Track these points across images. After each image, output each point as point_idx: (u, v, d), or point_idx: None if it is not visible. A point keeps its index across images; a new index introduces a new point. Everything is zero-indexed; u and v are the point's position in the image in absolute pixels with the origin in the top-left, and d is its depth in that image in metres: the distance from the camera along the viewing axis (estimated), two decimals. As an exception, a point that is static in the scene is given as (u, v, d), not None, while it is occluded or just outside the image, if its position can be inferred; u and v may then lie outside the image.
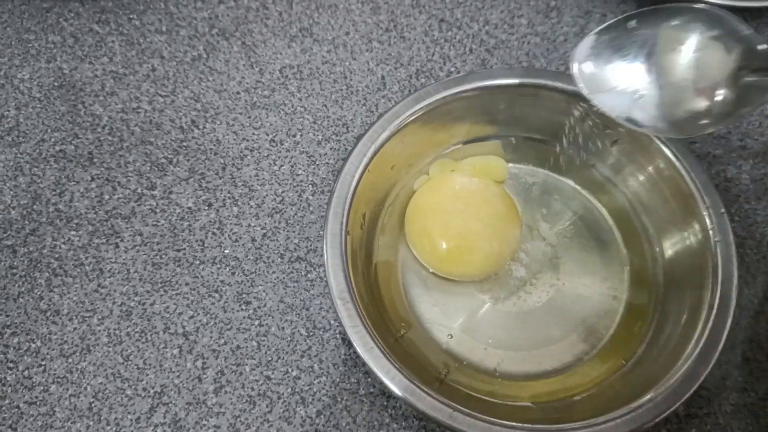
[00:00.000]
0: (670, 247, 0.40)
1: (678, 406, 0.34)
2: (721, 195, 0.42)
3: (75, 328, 0.42)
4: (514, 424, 0.33)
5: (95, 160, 0.47)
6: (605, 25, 0.38)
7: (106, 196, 0.46)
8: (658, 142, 0.39)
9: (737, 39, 0.35)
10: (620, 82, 0.38)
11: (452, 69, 0.50)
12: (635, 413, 0.33)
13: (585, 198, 0.44)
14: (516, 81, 0.42)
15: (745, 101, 0.35)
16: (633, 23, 0.37)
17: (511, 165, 0.45)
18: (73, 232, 0.45)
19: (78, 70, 0.50)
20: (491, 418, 0.33)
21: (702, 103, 0.37)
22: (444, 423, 0.33)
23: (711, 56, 0.36)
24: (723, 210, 0.37)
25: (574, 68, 0.38)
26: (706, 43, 0.36)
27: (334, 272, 0.36)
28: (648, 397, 0.34)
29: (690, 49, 0.37)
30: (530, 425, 0.33)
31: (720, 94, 0.36)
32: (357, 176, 0.39)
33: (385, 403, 0.39)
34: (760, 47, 0.35)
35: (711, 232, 0.37)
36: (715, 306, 0.35)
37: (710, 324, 0.35)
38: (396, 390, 0.34)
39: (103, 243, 0.44)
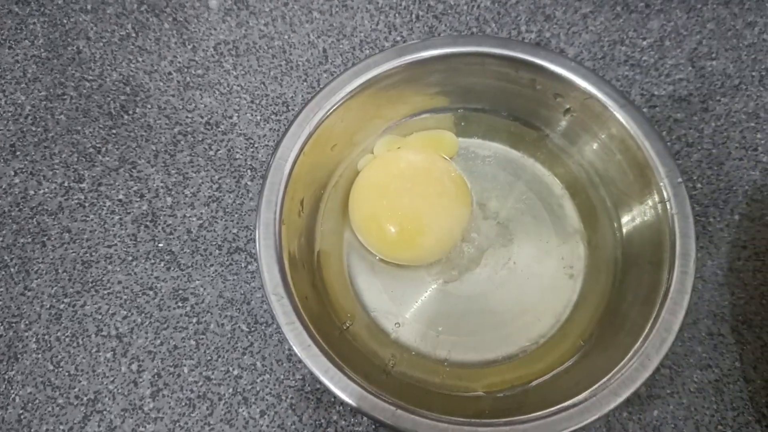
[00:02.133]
0: (628, 221, 0.38)
1: (639, 389, 0.32)
2: (682, 162, 0.40)
3: (0, 336, 0.39)
4: (462, 419, 0.31)
5: (18, 152, 0.44)
6: None
7: (31, 192, 0.43)
8: (611, 109, 0.37)
9: None
10: None
11: (398, 38, 0.47)
12: (590, 402, 0.31)
13: (539, 171, 0.41)
14: (461, 50, 0.39)
15: None
16: None
17: (461, 139, 0.42)
18: (-4, 232, 0.42)
19: (-3, 56, 0.47)
20: (437, 414, 0.31)
21: None
22: (386, 423, 0.31)
23: None
24: (680, 179, 0.35)
25: None
26: None
27: (267, 266, 0.34)
28: (603, 382, 0.32)
29: None
30: (479, 419, 0.31)
31: None
32: (291, 160, 0.36)
33: (333, 400, 0.37)
34: None
35: (668, 203, 0.35)
36: (673, 283, 0.33)
37: (668, 302, 0.33)
38: (335, 390, 0.32)
39: (28, 242, 0.41)
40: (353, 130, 0.40)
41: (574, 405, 0.31)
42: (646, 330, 0.33)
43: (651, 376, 0.32)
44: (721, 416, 0.37)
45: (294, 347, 0.32)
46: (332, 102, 0.38)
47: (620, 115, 0.37)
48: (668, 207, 0.35)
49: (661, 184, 0.35)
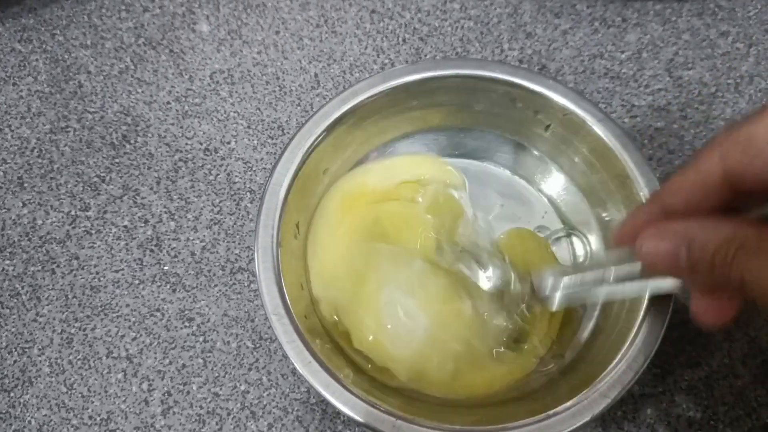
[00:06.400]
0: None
1: (631, 388, 0.33)
2: (664, 168, 0.42)
3: (15, 361, 0.41)
4: (459, 427, 0.33)
5: (26, 184, 0.46)
6: None
7: (39, 221, 0.45)
8: (590, 123, 0.38)
9: None
10: None
11: (386, 61, 0.49)
12: (581, 405, 0.33)
13: (524, 186, 0.43)
14: (443, 73, 0.40)
15: None
16: None
17: (448, 159, 0.44)
18: (7, 262, 0.44)
19: (2, 93, 0.49)
20: (435, 423, 0.33)
21: None
22: (387, 434, 0.32)
23: None
24: (658, 188, 0.37)
25: None
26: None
27: (267, 287, 0.35)
28: (593, 386, 0.33)
29: None
30: (475, 427, 0.33)
31: None
32: (285, 185, 0.38)
33: (337, 411, 0.39)
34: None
35: (649, 212, 0.36)
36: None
37: (653, 307, 0.34)
38: (336, 403, 0.33)
39: (38, 270, 0.43)
40: (343, 155, 0.42)
41: (566, 409, 0.33)
42: (633, 333, 0.34)
43: (640, 376, 0.33)
44: (712, 411, 0.39)
45: (295, 364, 0.34)
46: (322, 127, 0.39)
47: (598, 129, 0.38)
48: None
49: (641, 193, 0.37)
